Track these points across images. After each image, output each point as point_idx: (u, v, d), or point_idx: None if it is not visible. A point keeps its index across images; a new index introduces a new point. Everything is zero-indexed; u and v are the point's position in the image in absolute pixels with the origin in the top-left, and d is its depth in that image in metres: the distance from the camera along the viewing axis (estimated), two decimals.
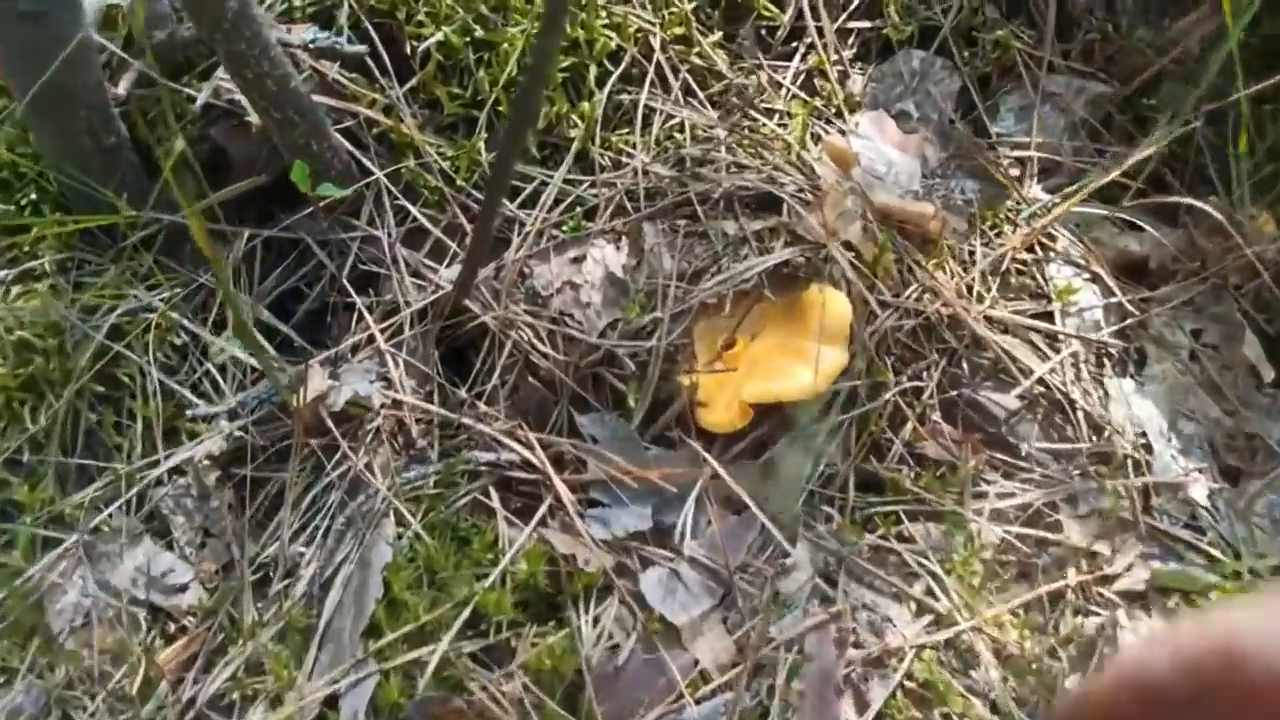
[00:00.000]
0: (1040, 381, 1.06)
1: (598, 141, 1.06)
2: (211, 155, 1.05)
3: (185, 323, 1.05)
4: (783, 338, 1.02)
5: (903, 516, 1.04)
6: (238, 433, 1.02)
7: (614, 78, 1.06)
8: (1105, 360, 1.08)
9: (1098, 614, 1.00)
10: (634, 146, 1.06)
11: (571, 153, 1.05)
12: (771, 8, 1.14)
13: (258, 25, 0.80)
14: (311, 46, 0.96)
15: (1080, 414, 1.06)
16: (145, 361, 1.03)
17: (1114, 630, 0.99)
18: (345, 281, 1.04)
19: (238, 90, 0.93)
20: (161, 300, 1.04)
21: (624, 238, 1.00)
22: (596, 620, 0.96)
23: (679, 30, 1.09)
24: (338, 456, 0.99)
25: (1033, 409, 1.06)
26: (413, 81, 1.06)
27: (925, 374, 1.07)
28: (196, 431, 1.04)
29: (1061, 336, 1.07)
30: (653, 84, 1.08)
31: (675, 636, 0.95)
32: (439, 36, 1.02)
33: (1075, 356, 1.07)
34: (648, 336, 0.97)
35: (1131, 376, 1.08)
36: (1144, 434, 1.06)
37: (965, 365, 1.07)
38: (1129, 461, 1.04)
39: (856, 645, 0.98)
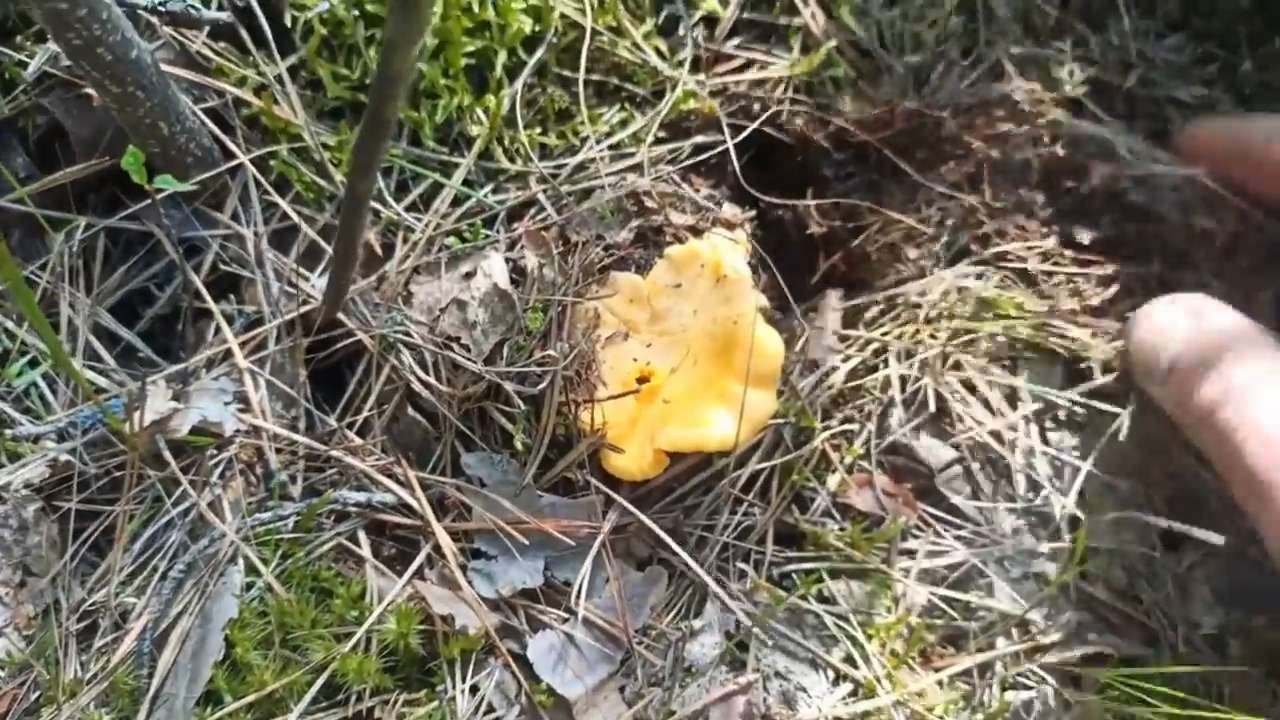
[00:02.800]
0: (984, 433, 0.97)
1: (506, 140, 0.93)
2: (49, 130, 0.90)
3: (9, 324, 0.89)
4: (706, 374, 0.91)
5: (824, 575, 0.94)
6: (65, 457, 0.87)
7: (527, 70, 0.93)
8: (1054, 415, 0.99)
9: (1028, 688, 0.92)
10: (545, 148, 0.93)
11: (474, 152, 0.92)
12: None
13: None
14: (163, 9, 0.81)
15: (1019, 471, 0.97)
16: None
17: (1045, 707, 0.91)
18: (201, 284, 0.89)
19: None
20: None
21: (519, 244, 0.88)
22: (475, 689, 0.84)
23: (610, 20, 0.96)
24: (179, 491, 0.85)
25: (971, 462, 0.97)
26: (293, 58, 0.92)
27: (859, 417, 0.98)
28: (19, 453, 0.89)
29: (1021, 392, 0.98)
30: (570, 80, 0.96)
31: (566, 710, 0.84)
32: (324, 7, 0.88)
33: (1027, 415, 0.98)
34: (543, 364, 0.85)
35: (1075, 433, 1.00)
36: (1083, 493, 0.98)
37: (905, 411, 0.98)
38: (1065, 523, 0.97)
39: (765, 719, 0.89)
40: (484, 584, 0.86)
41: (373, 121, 0.50)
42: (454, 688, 0.83)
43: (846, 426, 0.97)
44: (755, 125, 0.99)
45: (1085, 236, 0.98)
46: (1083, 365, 0.97)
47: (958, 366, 0.97)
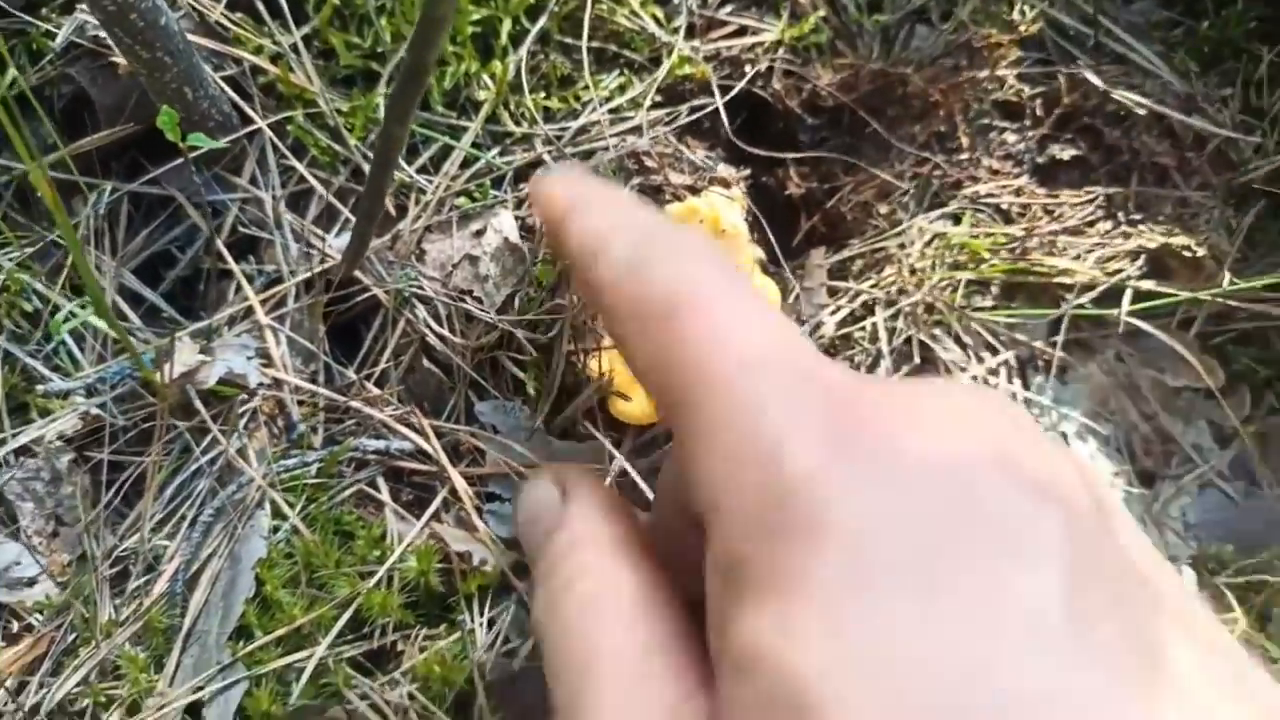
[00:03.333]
0: (970, 379, 1.03)
1: (512, 105, 0.98)
2: (74, 98, 0.94)
3: (38, 286, 0.93)
4: None
5: None
6: (95, 410, 0.91)
7: (531, 36, 0.98)
8: (1035, 361, 1.05)
9: None
10: (548, 112, 0.98)
11: (481, 116, 0.96)
12: None
13: None
14: None
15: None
16: None
17: None
18: (223, 246, 0.94)
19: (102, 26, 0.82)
20: (10, 260, 0.92)
21: (527, 202, 0.92)
22: (492, 623, 0.89)
23: None
24: (208, 440, 0.89)
25: None
26: (306, 28, 0.96)
27: (851, 365, 1.03)
28: (49, 408, 0.93)
29: (1004, 340, 1.03)
30: (572, 47, 1.00)
31: None
32: None
33: (1010, 359, 1.04)
34: (553, 313, 0.89)
35: (1056, 377, 1.05)
36: (1064, 435, 1.04)
37: (893, 359, 1.03)
38: None
39: None
40: (499, 525, 0.91)
41: (412, 67, 0.54)
42: (472, 620, 0.87)
43: None
44: (741, 85, 1.03)
45: (1062, 155, 1.02)
46: (1068, 296, 1.02)
47: (940, 313, 1.02)
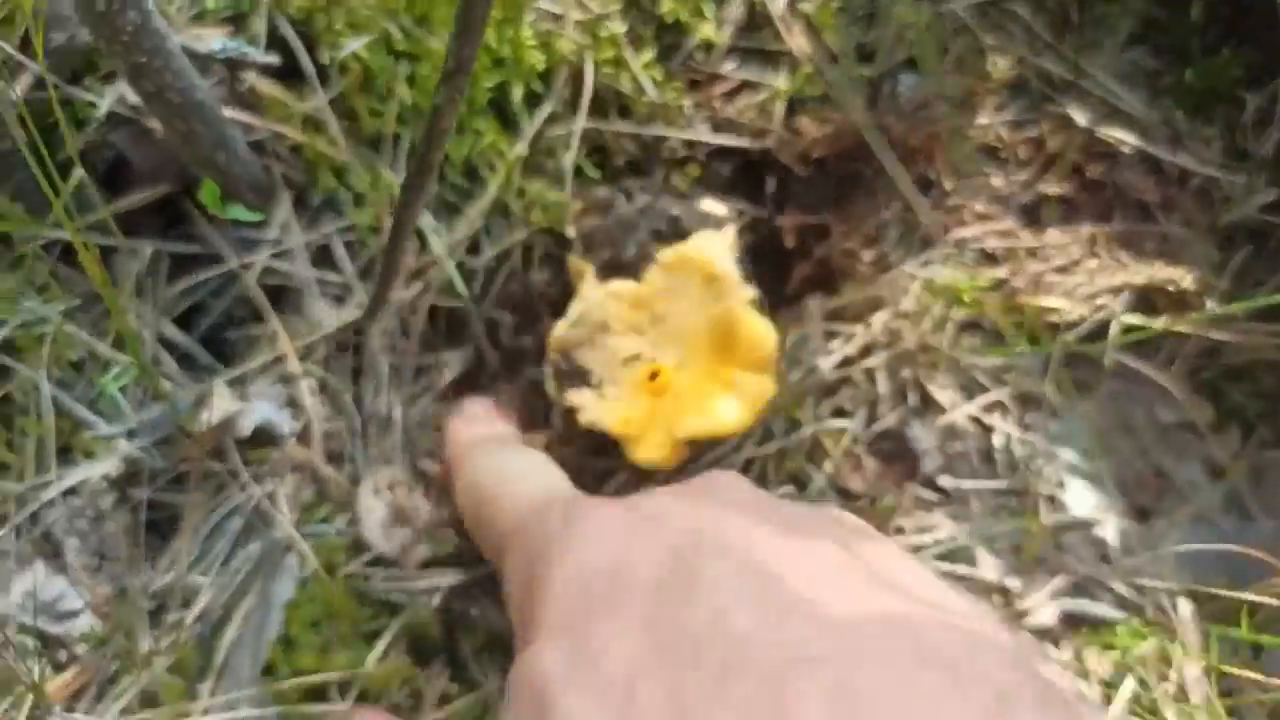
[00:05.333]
0: (965, 418, 1.07)
1: (514, 192, 1.03)
2: (114, 163, 1.00)
3: (84, 335, 1.00)
4: (707, 365, 1.00)
5: None
6: (136, 453, 0.97)
7: (545, 111, 1.03)
8: (1030, 399, 1.08)
9: None
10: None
11: (488, 198, 1.02)
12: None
13: (160, 38, 0.76)
14: (220, 56, 0.91)
15: (999, 453, 1.07)
16: (39, 376, 0.98)
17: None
18: (255, 298, 1.00)
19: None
20: (58, 313, 0.99)
21: None
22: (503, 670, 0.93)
23: (611, 53, 1.06)
24: (242, 483, 0.95)
25: (954, 446, 1.07)
26: (332, 92, 1.02)
27: (850, 407, 1.07)
28: (93, 451, 0.99)
29: (997, 380, 1.07)
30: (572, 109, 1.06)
31: None
32: (355, 46, 0.98)
33: (1004, 399, 1.07)
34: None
35: (1051, 416, 1.09)
36: (1059, 473, 1.07)
37: (891, 400, 1.07)
38: (1042, 500, 1.06)
39: None
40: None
41: (420, 165, 0.59)
42: (486, 679, 0.92)
43: (837, 421, 1.07)
44: (725, 141, 1.09)
45: (1047, 191, 1.07)
46: (1068, 333, 1.05)
47: (935, 354, 1.06)
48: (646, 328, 1.03)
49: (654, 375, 1.01)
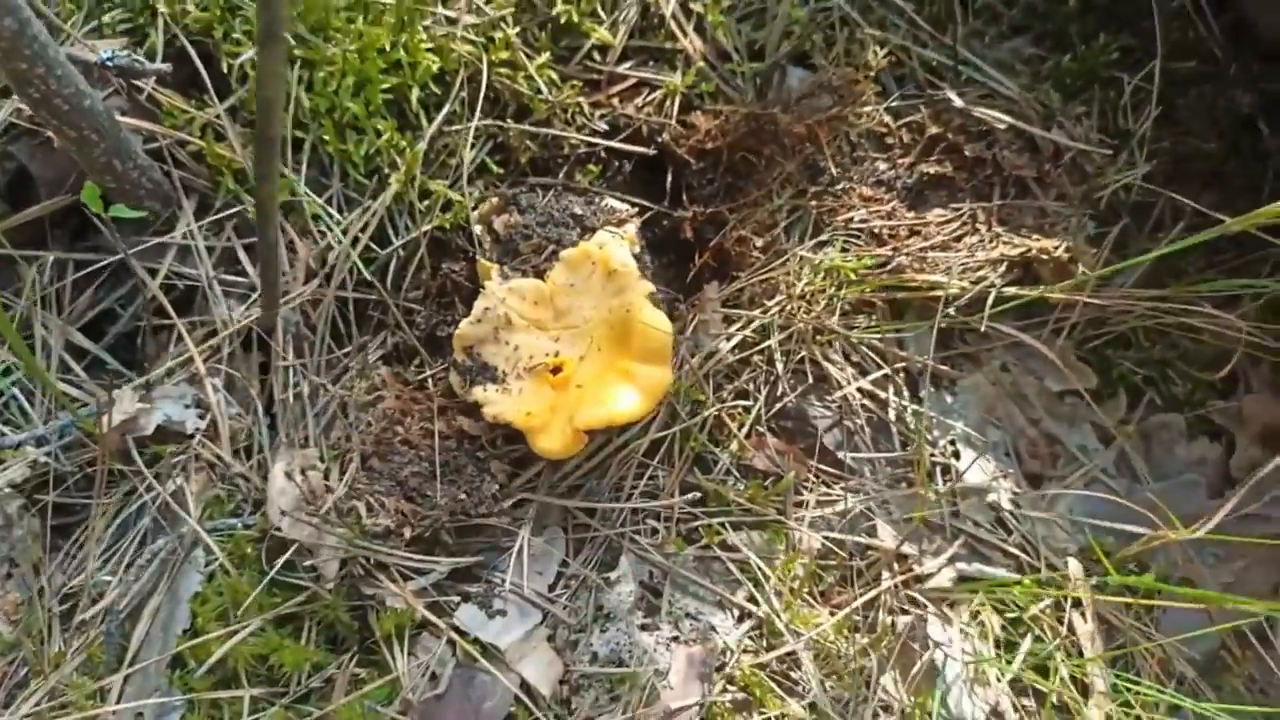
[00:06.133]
0: (861, 393, 1.11)
1: (416, 186, 1.07)
2: (17, 174, 1.02)
3: None
4: (608, 357, 1.03)
5: (727, 527, 1.06)
6: (43, 459, 0.99)
7: (444, 111, 1.07)
8: (923, 374, 1.13)
9: (909, 612, 1.04)
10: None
11: (388, 196, 1.06)
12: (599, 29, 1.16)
13: (39, 45, 0.78)
14: (110, 64, 0.94)
15: (894, 425, 1.11)
16: None
17: (923, 627, 1.03)
18: (160, 302, 1.02)
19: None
20: None
21: None
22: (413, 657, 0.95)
23: (505, 54, 1.10)
24: (146, 484, 0.97)
25: (851, 421, 1.10)
26: (232, 100, 1.05)
27: (752, 388, 1.10)
28: (0, 459, 1.01)
29: (889, 355, 1.11)
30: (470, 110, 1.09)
31: (500, 660, 0.95)
32: (252, 53, 1.01)
33: (896, 372, 1.12)
34: None
35: (944, 388, 1.13)
36: (954, 442, 1.11)
37: (789, 379, 1.11)
38: (938, 469, 1.10)
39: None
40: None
41: (261, 138, 0.62)
42: (395, 663, 0.93)
43: (740, 402, 1.10)
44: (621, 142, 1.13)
45: (929, 170, 1.11)
46: (950, 307, 1.09)
47: (829, 334, 1.10)
48: (550, 323, 1.06)
49: (556, 369, 1.04)
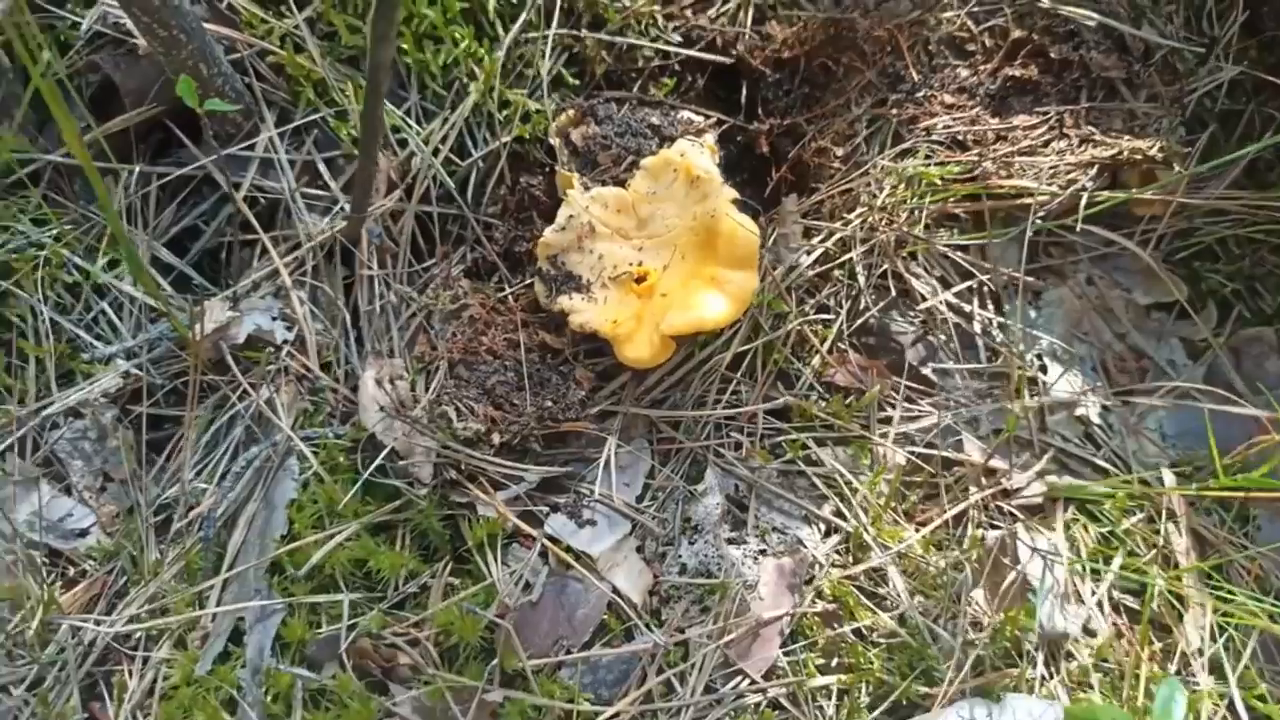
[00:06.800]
0: (945, 306, 1.09)
1: (495, 97, 1.05)
2: (101, 85, 1.02)
3: (77, 260, 1.02)
4: (692, 265, 1.02)
5: (811, 442, 1.05)
6: (135, 370, 0.99)
7: (520, 20, 1.05)
8: (1009, 286, 1.10)
9: (998, 527, 1.03)
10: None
11: (467, 106, 1.04)
12: None
13: None
14: None
15: (980, 339, 1.09)
16: (36, 300, 1.00)
17: (1013, 541, 1.02)
18: (245, 215, 1.01)
19: (124, 13, 0.90)
20: (51, 237, 1.01)
21: None
22: (513, 573, 0.95)
23: None
24: (239, 393, 0.97)
25: (935, 335, 1.09)
26: (308, 10, 1.04)
27: (833, 302, 1.09)
28: (92, 372, 1.01)
29: (975, 267, 1.09)
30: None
31: (592, 567, 0.95)
32: None
33: (981, 285, 1.09)
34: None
35: (1030, 302, 1.11)
36: (1040, 356, 1.09)
37: (872, 293, 1.09)
38: (1025, 383, 1.08)
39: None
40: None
41: (374, 62, 0.61)
42: (489, 572, 0.93)
43: (822, 316, 1.08)
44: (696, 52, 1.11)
45: (1014, 73, 1.08)
46: (1040, 213, 1.07)
47: (911, 246, 1.08)
48: (632, 232, 1.05)
49: (640, 278, 1.03)
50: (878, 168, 1.09)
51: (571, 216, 1.02)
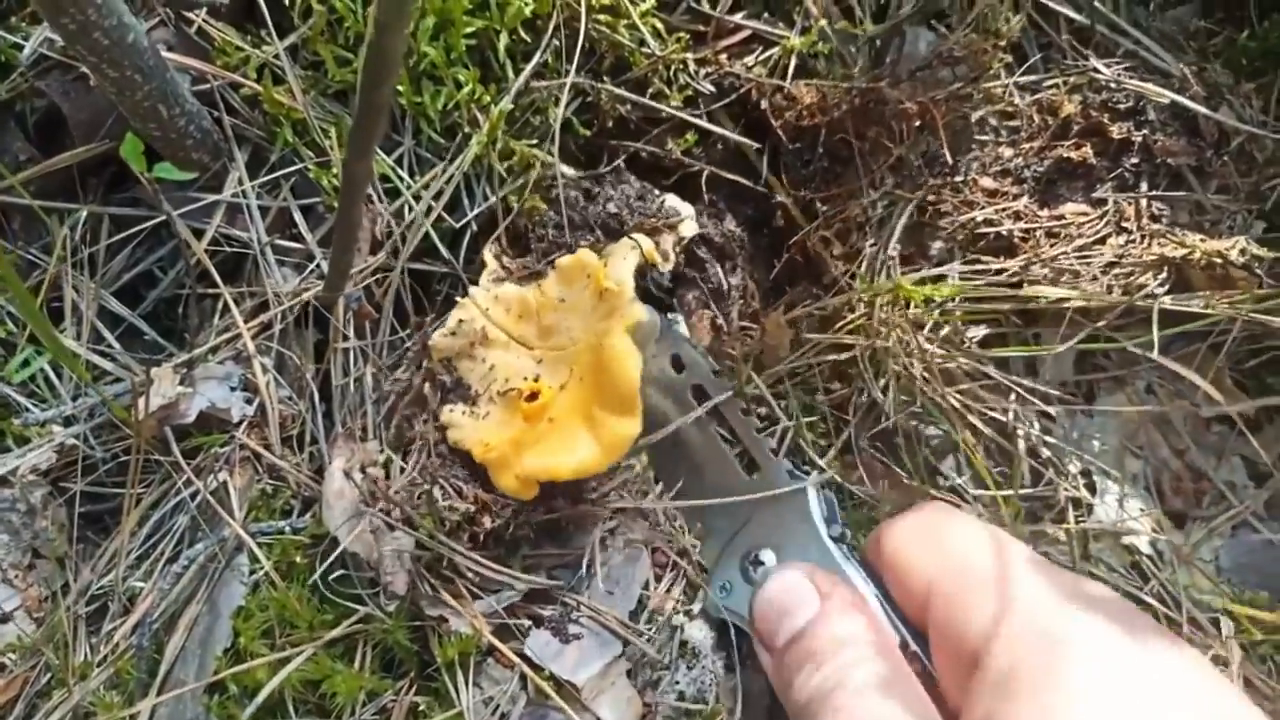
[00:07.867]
0: (981, 420, 0.97)
1: (498, 148, 0.92)
2: (47, 115, 0.89)
3: (13, 310, 0.89)
4: (588, 391, 0.87)
5: None
6: (72, 441, 0.87)
7: (533, 62, 0.92)
8: (1054, 394, 0.99)
9: None
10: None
11: (467, 158, 0.91)
12: None
13: None
14: None
15: (1022, 452, 0.97)
16: None
17: None
18: (206, 267, 0.89)
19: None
20: None
21: None
22: (488, 701, 0.84)
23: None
24: (185, 478, 0.85)
25: (969, 448, 0.97)
26: (293, 38, 0.91)
27: (849, 406, 0.97)
28: (26, 438, 0.89)
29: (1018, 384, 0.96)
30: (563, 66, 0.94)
31: (575, 697, 0.84)
32: None
33: (1024, 401, 0.97)
34: None
35: (1081, 410, 1.00)
36: (1088, 473, 0.98)
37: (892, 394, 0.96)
38: (1069, 502, 0.96)
39: None
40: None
41: (365, 105, 0.49)
42: (457, 696, 0.82)
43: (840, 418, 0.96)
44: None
45: (1067, 155, 0.95)
46: (1095, 325, 0.94)
47: (945, 355, 0.95)
48: (534, 341, 0.90)
49: (533, 395, 0.89)
50: (896, 268, 0.95)
51: (463, 319, 0.88)
